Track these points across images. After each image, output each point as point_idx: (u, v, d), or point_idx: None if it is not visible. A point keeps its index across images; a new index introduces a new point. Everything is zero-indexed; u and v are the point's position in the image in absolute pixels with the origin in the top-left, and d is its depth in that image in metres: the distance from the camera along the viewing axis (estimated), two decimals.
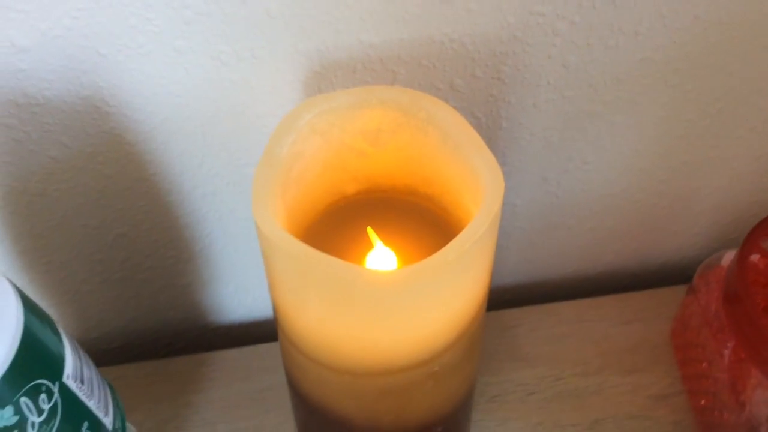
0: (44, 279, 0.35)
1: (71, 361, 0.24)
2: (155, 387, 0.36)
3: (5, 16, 0.25)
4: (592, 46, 0.29)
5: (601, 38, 0.29)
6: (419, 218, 0.28)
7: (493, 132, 0.32)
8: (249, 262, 0.36)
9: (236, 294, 0.38)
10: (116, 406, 0.28)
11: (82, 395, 0.25)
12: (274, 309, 0.26)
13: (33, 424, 0.22)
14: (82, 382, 0.25)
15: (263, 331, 0.40)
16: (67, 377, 0.24)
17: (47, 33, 0.25)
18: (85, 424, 0.25)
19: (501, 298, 0.41)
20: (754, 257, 0.31)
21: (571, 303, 0.39)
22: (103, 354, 0.40)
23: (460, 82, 0.30)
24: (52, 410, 0.23)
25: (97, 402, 0.26)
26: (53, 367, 0.23)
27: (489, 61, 0.29)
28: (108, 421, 0.26)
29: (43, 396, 0.23)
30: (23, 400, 0.22)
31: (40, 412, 0.22)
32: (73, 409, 0.24)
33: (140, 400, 0.36)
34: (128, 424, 0.31)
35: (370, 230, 0.26)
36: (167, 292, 0.37)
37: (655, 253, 0.41)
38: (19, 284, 0.34)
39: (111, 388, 0.28)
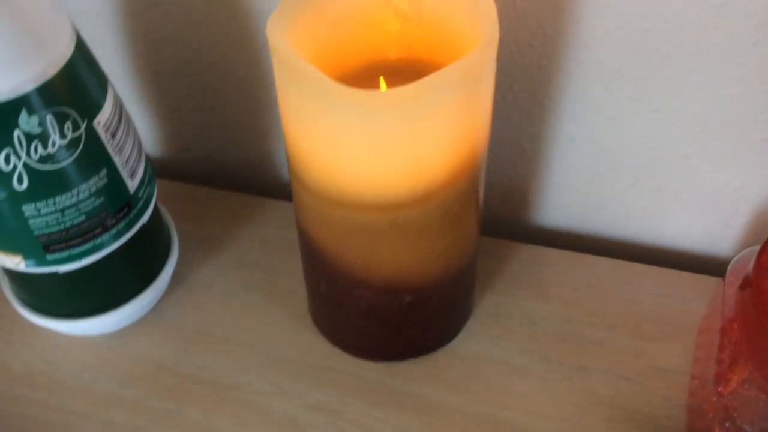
0: (150, 88, 0.41)
1: (108, 115, 0.29)
2: (214, 210, 0.41)
3: None
4: None
5: None
6: None
7: (559, 49, 0.32)
8: None
9: None
10: (147, 182, 0.32)
11: (108, 146, 0.29)
12: (282, 128, 0.29)
13: (54, 143, 0.27)
14: (113, 136, 0.29)
15: None
16: (98, 123, 0.28)
17: None
18: (104, 171, 0.29)
19: (552, 243, 0.41)
20: None
21: (612, 260, 0.38)
22: (190, 179, 0.45)
23: None
24: (75, 141, 0.28)
25: (123, 162, 0.30)
26: (88, 106, 0.28)
27: None
28: (131, 184, 0.31)
29: (68, 124, 0.27)
30: (49, 118, 0.27)
31: (63, 136, 0.27)
32: (95, 151, 0.29)
33: (197, 215, 0.40)
34: (166, 214, 0.36)
35: (381, 80, 0.28)
36: (248, 132, 0.41)
37: (728, 241, 0.38)
38: (128, 88, 0.40)
39: (150, 168, 0.33)
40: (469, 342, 0.35)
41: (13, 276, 0.33)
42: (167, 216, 0.36)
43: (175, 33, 0.37)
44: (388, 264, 0.29)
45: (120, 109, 0.30)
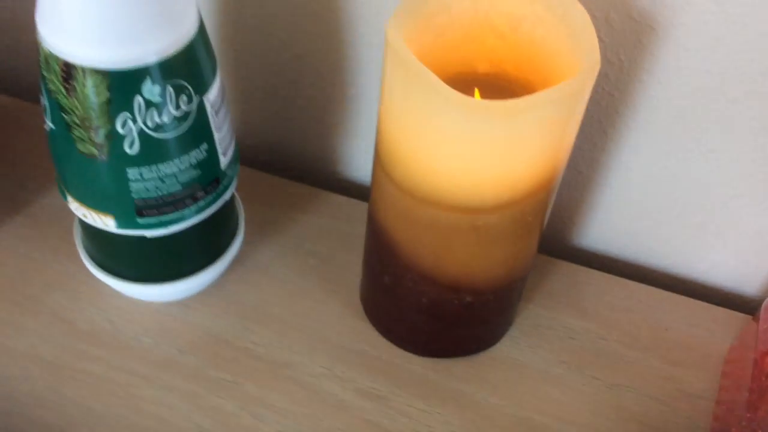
0: (229, 71, 0.42)
1: (215, 92, 0.31)
2: (276, 197, 0.43)
3: None
4: (747, 26, 0.31)
5: (758, 21, 0.31)
6: None
7: (631, 83, 0.35)
8: None
9: (367, 152, 0.43)
10: (234, 161, 0.34)
11: (212, 122, 0.31)
12: (378, 124, 0.31)
13: (168, 112, 0.29)
14: (216, 113, 0.31)
15: None
16: (207, 100, 0.30)
17: None
18: (204, 146, 0.31)
19: (589, 264, 0.43)
20: None
21: (647, 287, 0.40)
22: (250, 163, 0.47)
23: (615, 17, 0.33)
24: (186, 114, 0.29)
25: (220, 138, 0.32)
26: (201, 83, 0.30)
27: (648, 7, 0.32)
28: (223, 161, 0.33)
29: (184, 97, 0.29)
30: (169, 89, 0.28)
31: (177, 107, 0.29)
32: (201, 126, 0.30)
33: (259, 200, 0.42)
34: (237, 195, 0.38)
35: (476, 92, 0.30)
36: (315, 127, 0.43)
37: (756, 282, 0.41)
38: None
39: (237, 148, 0.34)
40: (510, 348, 0.37)
41: (93, 235, 0.34)
42: (237, 197, 0.38)
43: (268, 20, 0.39)
44: (459, 264, 0.31)
45: (224, 89, 0.32)
